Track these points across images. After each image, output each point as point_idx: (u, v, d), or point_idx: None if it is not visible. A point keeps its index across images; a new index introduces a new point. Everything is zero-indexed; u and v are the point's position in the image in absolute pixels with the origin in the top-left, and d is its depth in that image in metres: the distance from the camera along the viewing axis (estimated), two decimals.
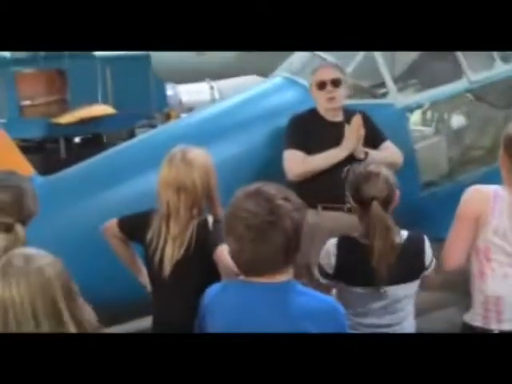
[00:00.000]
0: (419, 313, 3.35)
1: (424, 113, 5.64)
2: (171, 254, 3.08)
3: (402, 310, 3.13)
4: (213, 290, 2.40)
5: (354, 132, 4.09)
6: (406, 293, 3.12)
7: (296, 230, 2.18)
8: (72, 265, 2.15)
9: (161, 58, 10.82)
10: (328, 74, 4.28)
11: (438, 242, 3.41)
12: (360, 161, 3.99)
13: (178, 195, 3.07)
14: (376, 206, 3.05)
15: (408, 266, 3.10)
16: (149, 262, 3.18)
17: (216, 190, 3.18)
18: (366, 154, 4.13)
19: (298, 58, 5.16)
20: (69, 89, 9.96)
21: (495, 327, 3.11)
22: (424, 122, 5.68)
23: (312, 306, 2.23)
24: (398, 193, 3.18)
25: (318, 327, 2.19)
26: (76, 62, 9.72)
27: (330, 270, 3.11)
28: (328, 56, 4.88)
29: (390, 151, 4.31)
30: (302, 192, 4.00)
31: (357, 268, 3.04)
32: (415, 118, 5.52)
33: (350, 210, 3.91)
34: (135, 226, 3.23)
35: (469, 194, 3.21)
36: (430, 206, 4.84)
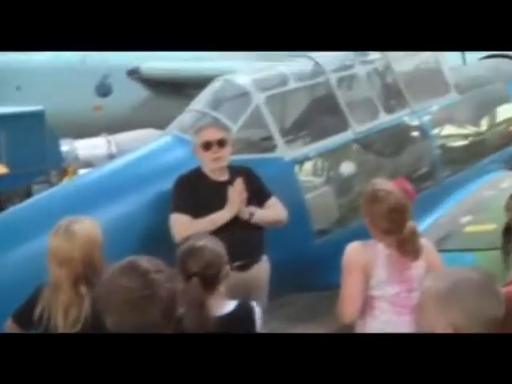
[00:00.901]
0: None
1: (314, 164, 5.79)
2: (63, 325, 3.07)
3: None
4: None
5: (236, 195, 4.14)
6: None
7: (172, 299, 2.25)
8: None
9: (56, 115, 10.72)
10: (213, 135, 4.30)
11: (334, 288, 3.52)
12: (245, 221, 4.12)
13: (60, 268, 3.11)
14: (194, 284, 3.01)
15: None
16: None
17: (101, 261, 3.18)
18: (251, 214, 4.20)
19: (188, 115, 5.22)
20: None
21: None
22: (315, 172, 5.83)
23: None
24: (227, 267, 3.16)
25: None
26: None
27: None
28: (217, 114, 4.95)
29: (274, 209, 4.37)
30: None
31: None
32: (306, 168, 5.66)
33: (240, 268, 3.99)
34: (29, 312, 3.19)
35: (352, 249, 3.34)
36: (325, 253, 4.90)
